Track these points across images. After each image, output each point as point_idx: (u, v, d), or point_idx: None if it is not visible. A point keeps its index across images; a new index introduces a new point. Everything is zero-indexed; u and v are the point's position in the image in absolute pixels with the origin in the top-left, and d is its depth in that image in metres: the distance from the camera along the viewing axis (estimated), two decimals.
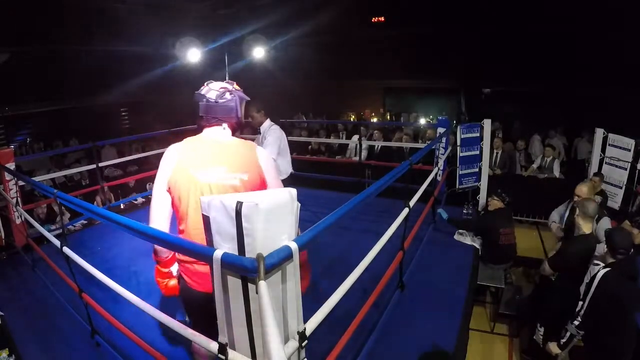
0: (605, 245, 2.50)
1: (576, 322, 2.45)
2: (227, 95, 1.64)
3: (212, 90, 1.65)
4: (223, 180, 1.55)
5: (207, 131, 1.66)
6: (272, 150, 3.26)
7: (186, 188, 1.55)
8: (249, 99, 1.78)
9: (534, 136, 7.48)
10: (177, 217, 1.65)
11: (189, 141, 1.65)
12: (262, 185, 1.62)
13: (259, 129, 3.43)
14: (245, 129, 5.64)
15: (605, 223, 3.32)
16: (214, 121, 1.64)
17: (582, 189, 3.43)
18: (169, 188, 1.59)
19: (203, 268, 1.55)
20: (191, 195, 1.55)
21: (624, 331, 2.38)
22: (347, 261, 3.36)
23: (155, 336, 2.23)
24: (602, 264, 2.51)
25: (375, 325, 2.52)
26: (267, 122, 3.42)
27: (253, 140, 2.02)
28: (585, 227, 2.89)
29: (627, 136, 4.68)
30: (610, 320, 2.36)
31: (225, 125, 1.65)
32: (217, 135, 1.65)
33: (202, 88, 1.68)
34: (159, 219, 1.63)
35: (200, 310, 1.58)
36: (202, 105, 1.63)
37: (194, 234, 1.56)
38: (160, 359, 1.91)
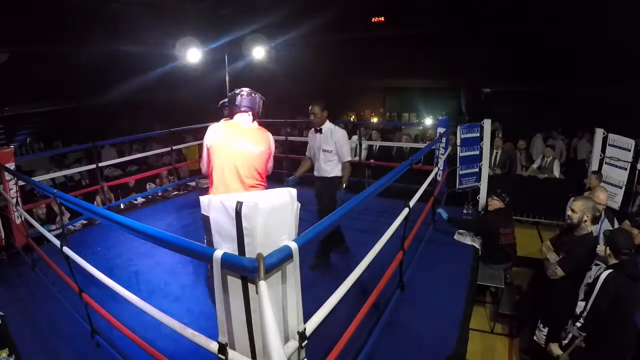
0: (608, 247, 2.49)
1: (578, 324, 2.44)
2: (253, 94, 2.43)
3: (244, 90, 2.45)
4: (248, 148, 2.32)
5: (237, 117, 2.42)
6: (349, 155, 3.41)
7: (219, 152, 2.32)
8: (265, 99, 2.50)
9: (537, 135, 7.47)
10: (209, 172, 2.40)
11: (225, 123, 2.42)
12: (270, 157, 2.45)
13: (319, 128, 3.38)
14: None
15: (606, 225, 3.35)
16: (244, 109, 2.40)
17: (600, 196, 3.47)
18: (208, 151, 2.37)
19: None
20: (223, 157, 2.32)
21: (626, 331, 2.38)
22: (347, 261, 3.39)
23: (155, 336, 2.23)
24: (604, 265, 2.51)
25: (375, 325, 2.52)
26: (328, 123, 3.38)
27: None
28: (590, 227, 2.90)
29: (627, 136, 4.68)
30: (613, 321, 2.35)
31: (250, 113, 2.41)
32: (244, 120, 2.41)
33: (235, 91, 2.47)
34: (205, 168, 2.46)
35: None
36: (237, 97, 2.41)
37: (219, 183, 2.34)
38: (160, 359, 1.91)
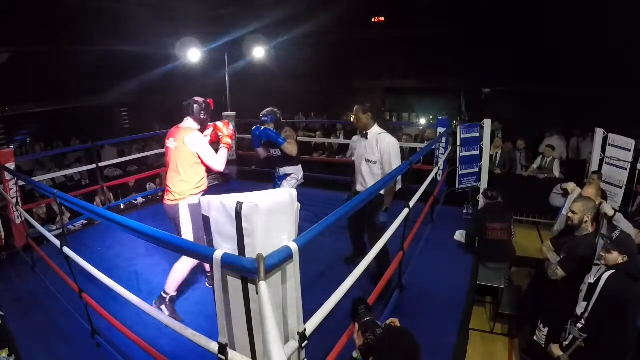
0: (618, 252, 2.45)
1: (580, 325, 2.43)
2: (192, 103, 2.77)
3: (185, 101, 2.82)
4: (170, 145, 2.73)
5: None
6: (398, 162, 2.84)
7: (167, 151, 2.79)
8: (204, 106, 2.77)
9: (554, 136, 7.46)
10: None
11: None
12: (189, 153, 2.66)
13: (365, 133, 2.97)
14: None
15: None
16: (185, 114, 2.80)
17: (588, 190, 3.45)
18: None
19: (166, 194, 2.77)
20: (168, 154, 2.78)
21: (627, 332, 2.38)
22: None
23: (155, 336, 2.23)
24: (605, 266, 2.49)
25: None
26: (376, 128, 2.94)
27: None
28: (590, 227, 2.90)
29: (627, 136, 4.68)
30: (614, 322, 2.34)
31: (188, 117, 2.79)
32: (184, 123, 2.80)
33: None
34: None
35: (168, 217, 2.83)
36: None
37: (168, 176, 2.76)
38: (160, 359, 1.91)
